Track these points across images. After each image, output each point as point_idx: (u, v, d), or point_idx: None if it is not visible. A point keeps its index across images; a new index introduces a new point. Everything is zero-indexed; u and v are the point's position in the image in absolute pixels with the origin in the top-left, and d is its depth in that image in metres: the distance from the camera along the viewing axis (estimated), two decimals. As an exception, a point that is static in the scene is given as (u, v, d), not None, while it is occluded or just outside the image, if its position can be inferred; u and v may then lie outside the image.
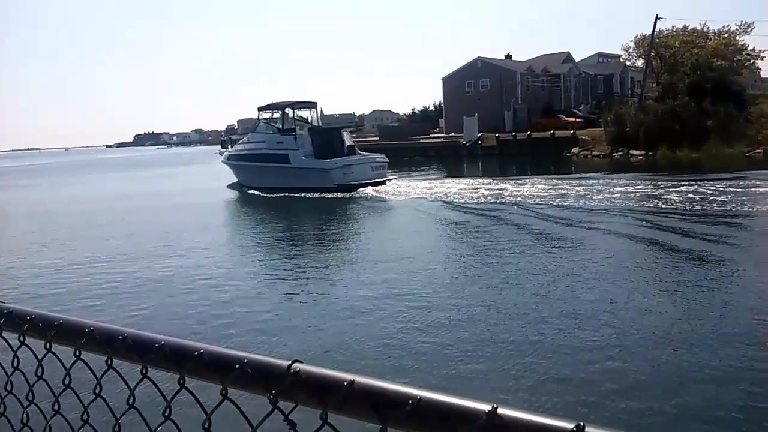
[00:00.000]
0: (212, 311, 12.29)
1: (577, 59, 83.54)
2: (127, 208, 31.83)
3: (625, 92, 79.20)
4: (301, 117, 40.85)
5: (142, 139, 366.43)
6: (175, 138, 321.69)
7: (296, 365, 1.24)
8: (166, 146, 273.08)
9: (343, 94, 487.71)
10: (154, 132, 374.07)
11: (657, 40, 61.16)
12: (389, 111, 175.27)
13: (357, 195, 32.49)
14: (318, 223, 25.44)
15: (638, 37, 66.98)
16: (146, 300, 13.45)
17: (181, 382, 1.37)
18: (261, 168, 37.95)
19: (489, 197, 27.83)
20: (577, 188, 28.27)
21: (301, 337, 10.61)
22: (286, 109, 39.80)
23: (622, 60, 79.80)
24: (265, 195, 34.92)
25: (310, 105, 42.07)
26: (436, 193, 30.78)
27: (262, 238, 22.34)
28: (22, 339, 1.73)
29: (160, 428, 1.42)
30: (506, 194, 28.14)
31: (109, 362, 1.50)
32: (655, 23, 58.29)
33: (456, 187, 31.93)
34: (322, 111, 43.27)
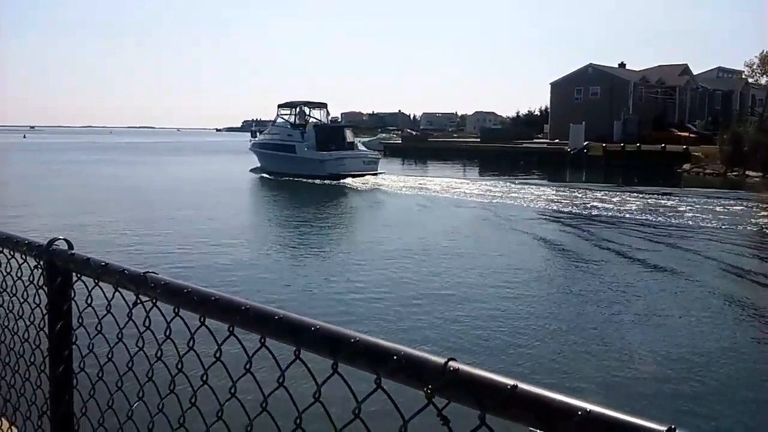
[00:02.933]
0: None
1: (695, 72, 79.88)
2: (186, 188, 36.81)
3: (745, 110, 75.12)
4: (312, 115, 47.93)
5: (249, 125, 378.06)
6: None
7: (452, 363, 1.25)
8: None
9: (446, 92, 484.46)
10: (261, 119, 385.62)
11: (785, 57, 57.71)
12: (492, 113, 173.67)
13: (344, 183, 38.57)
14: (305, 201, 32.09)
15: (764, 53, 63.43)
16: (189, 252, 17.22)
17: (335, 367, 1.41)
18: (274, 156, 45.00)
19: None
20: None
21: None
22: (304, 108, 47.41)
23: (744, 76, 75.79)
24: (273, 178, 42.12)
25: (321, 105, 48.80)
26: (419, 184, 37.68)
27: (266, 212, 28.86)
28: (176, 310, 1.83)
29: (308, 409, 1.47)
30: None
31: (262, 341, 1.56)
32: (785, 39, 54.98)
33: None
34: (328, 112, 49.45)
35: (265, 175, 44.36)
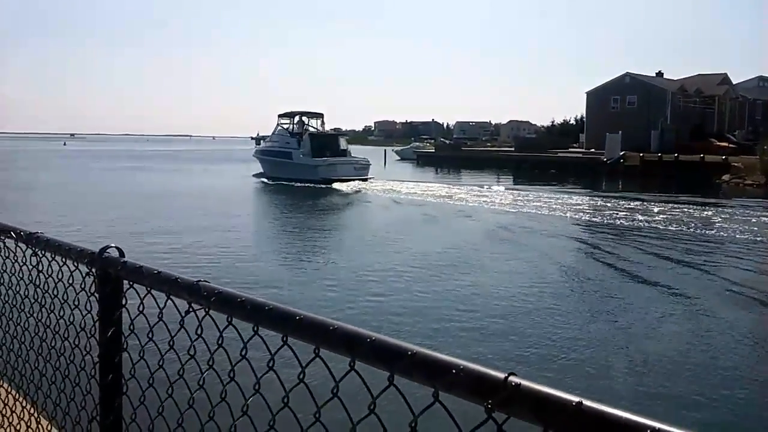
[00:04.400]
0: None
1: (734, 81, 78.49)
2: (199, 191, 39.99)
3: (787, 120, 73.62)
4: (310, 124, 51.16)
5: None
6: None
7: (513, 378, 1.23)
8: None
9: (480, 101, 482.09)
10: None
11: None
12: (527, 122, 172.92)
13: (334, 187, 41.62)
14: (292, 201, 36.39)
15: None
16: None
17: (391, 380, 1.40)
18: (274, 162, 48.85)
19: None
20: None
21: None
22: (303, 118, 50.72)
23: (787, 85, 74.27)
24: (270, 183, 45.76)
25: (318, 115, 52.12)
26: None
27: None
28: (229, 319, 1.83)
29: (363, 420, 1.46)
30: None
31: (316, 351, 1.56)
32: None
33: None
34: (323, 121, 52.49)
35: (264, 180, 47.90)
